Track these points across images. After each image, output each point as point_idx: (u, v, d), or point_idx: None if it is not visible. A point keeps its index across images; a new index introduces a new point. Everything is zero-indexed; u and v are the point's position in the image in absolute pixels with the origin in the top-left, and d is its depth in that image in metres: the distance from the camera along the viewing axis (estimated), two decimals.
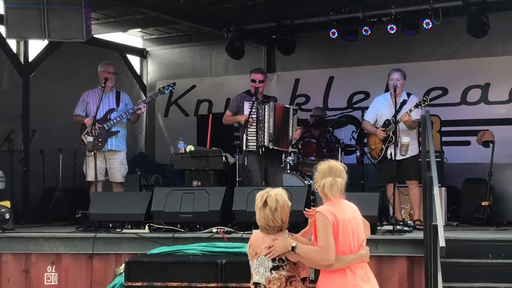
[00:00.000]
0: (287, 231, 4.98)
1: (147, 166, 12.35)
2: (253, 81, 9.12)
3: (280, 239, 4.85)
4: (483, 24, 10.27)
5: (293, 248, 4.77)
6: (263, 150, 8.82)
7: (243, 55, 12.10)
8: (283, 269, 4.85)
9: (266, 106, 8.91)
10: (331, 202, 4.86)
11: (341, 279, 4.76)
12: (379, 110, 9.08)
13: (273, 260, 4.85)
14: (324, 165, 4.99)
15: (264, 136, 8.81)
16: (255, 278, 4.93)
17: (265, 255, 4.85)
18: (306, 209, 5.22)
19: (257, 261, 4.91)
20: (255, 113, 8.85)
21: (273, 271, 4.85)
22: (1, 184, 9.97)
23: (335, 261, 4.72)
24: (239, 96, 9.18)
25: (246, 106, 8.90)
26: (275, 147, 8.89)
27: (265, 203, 4.88)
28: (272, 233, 4.89)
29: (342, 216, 4.79)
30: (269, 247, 4.83)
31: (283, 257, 4.85)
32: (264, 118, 8.84)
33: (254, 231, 5.09)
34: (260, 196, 4.95)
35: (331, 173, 4.91)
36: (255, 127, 8.83)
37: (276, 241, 4.84)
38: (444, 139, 11.42)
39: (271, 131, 8.84)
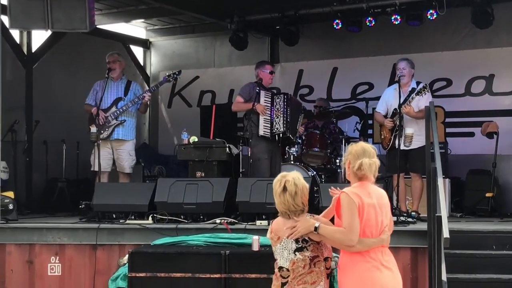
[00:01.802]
0: (308, 213, 4.98)
1: (150, 157, 12.36)
2: (271, 73, 9.33)
3: (302, 220, 4.86)
4: (488, 15, 10.25)
5: (315, 229, 4.78)
6: (279, 137, 8.97)
7: (247, 46, 12.09)
8: (307, 249, 4.86)
9: (283, 95, 9.10)
10: (359, 185, 4.87)
11: (359, 262, 4.77)
12: (388, 100, 9.06)
13: (297, 241, 4.85)
14: (357, 147, 4.94)
15: (281, 123, 8.91)
16: (280, 262, 4.92)
17: (287, 237, 4.84)
18: (332, 187, 5.21)
19: (280, 245, 4.90)
20: (270, 102, 8.99)
21: (297, 253, 4.85)
22: (4, 175, 9.96)
23: (357, 243, 4.73)
24: (252, 85, 9.23)
25: (263, 95, 8.95)
26: (290, 135, 9.04)
27: (284, 188, 4.89)
28: (293, 217, 4.90)
29: (367, 199, 4.79)
30: (292, 228, 4.83)
31: (307, 238, 4.85)
32: (281, 106, 8.98)
33: (275, 220, 5.07)
34: (277, 182, 4.96)
35: (365, 154, 4.89)
36: (269, 115, 8.92)
37: (298, 222, 4.84)
38: (448, 130, 11.38)
39: (288, 120, 8.97)
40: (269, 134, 8.97)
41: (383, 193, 4.98)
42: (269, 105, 9.02)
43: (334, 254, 5.12)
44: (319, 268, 4.87)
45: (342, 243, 4.77)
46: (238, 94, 9.37)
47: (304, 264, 4.84)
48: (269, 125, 8.97)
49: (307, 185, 5.00)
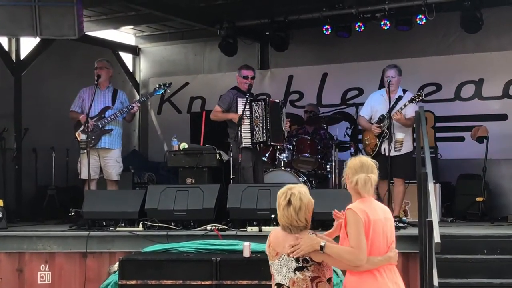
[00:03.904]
0: (310, 230, 4.74)
1: (140, 164, 12.32)
2: (245, 77, 9.08)
3: (305, 237, 4.63)
4: (477, 20, 10.27)
5: (321, 248, 4.56)
6: (260, 146, 8.85)
7: (236, 52, 12.07)
8: (308, 270, 4.62)
9: (262, 102, 8.89)
10: (362, 200, 4.67)
11: (370, 281, 4.58)
12: (374, 106, 9.07)
13: (297, 260, 4.62)
14: (355, 161, 4.77)
15: (261, 133, 8.80)
16: (277, 278, 4.70)
17: (289, 254, 4.63)
18: (335, 210, 4.96)
19: (278, 261, 4.68)
20: (249, 110, 8.82)
21: (297, 272, 4.62)
22: None
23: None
24: (231, 93, 9.10)
25: (240, 103, 8.86)
26: (272, 143, 8.91)
27: (289, 202, 4.66)
28: (295, 232, 4.68)
29: (374, 216, 4.61)
30: (294, 246, 4.61)
31: (307, 257, 4.62)
32: (260, 114, 8.83)
33: (273, 229, 4.90)
34: (282, 194, 4.72)
35: (363, 169, 4.71)
36: (249, 124, 8.81)
37: (300, 239, 4.63)
38: (438, 135, 11.41)
39: (268, 127, 8.83)
40: (250, 144, 8.85)
41: (387, 209, 4.85)
42: (248, 112, 8.84)
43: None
44: None
45: (350, 263, 4.56)
46: (217, 103, 9.26)
47: (305, 285, 4.62)
48: (249, 135, 8.84)
49: (313, 201, 4.74)
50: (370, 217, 4.59)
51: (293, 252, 4.60)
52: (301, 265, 4.62)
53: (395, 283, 4.66)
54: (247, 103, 8.82)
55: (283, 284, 4.68)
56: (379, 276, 4.59)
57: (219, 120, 9.21)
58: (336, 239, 4.81)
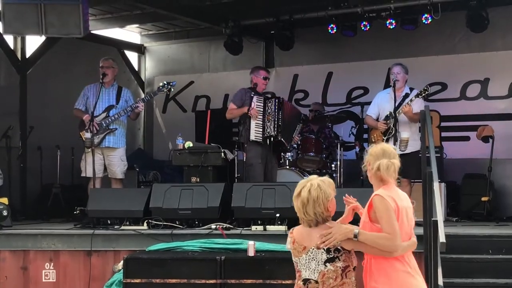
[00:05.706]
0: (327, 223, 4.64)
1: (145, 163, 12.31)
2: (265, 78, 9.29)
3: (335, 226, 4.57)
4: (483, 19, 10.24)
5: (355, 236, 4.52)
6: (271, 140, 8.89)
7: (242, 51, 12.06)
8: (339, 259, 4.53)
9: (275, 99, 9.03)
10: (387, 187, 4.68)
11: (401, 268, 4.60)
12: (381, 104, 9.03)
13: (328, 251, 4.52)
14: (376, 148, 4.77)
15: (272, 127, 8.85)
16: (305, 274, 4.57)
17: (320, 245, 4.51)
18: (346, 195, 4.92)
19: (306, 256, 4.56)
20: (262, 106, 8.94)
21: (327, 264, 4.52)
22: None
23: None
24: (244, 91, 9.20)
25: (255, 100, 8.93)
26: (282, 139, 8.93)
27: (299, 194, 4.60)
28: (310, 226, 4.60)
29: (401, 202, 4.64)
30: (326, 235, 4.51)
31: (339, 247, 4.53)
32: (272, 110, 8.92)
33: (294, 228, 4.77)
34: (299, 184, 4.67)
35: (385, 155, 4.70)
36: (261, 119, 8.88)
37: (331, 228, 4.54)
38: (444, 134, 11.38)
39: (280, 123, 8.89)
40: (260, 138, 8.91)
41: (406, 195, 4.85)
42: (261, 109, 8.98)
43: None
44: (350, 278, 4.57)
45: (386, 249, 4.53)
46: (230, 101, 9.34)
47: (335, 276, 4.52)
48: (260, 130, 8.92)
49: (329, 196, 4.59)
50: (398, 204, 4.61)
51: (324, 242, 4.50)
52: (332, 255, 4.53)
53: (416, 271, 4.71)
54: (260, 101, 8.93)
55: (310, 279, 4.56)
56: (405, 263, 4.62)
57: (234, 117, 9.38)
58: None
